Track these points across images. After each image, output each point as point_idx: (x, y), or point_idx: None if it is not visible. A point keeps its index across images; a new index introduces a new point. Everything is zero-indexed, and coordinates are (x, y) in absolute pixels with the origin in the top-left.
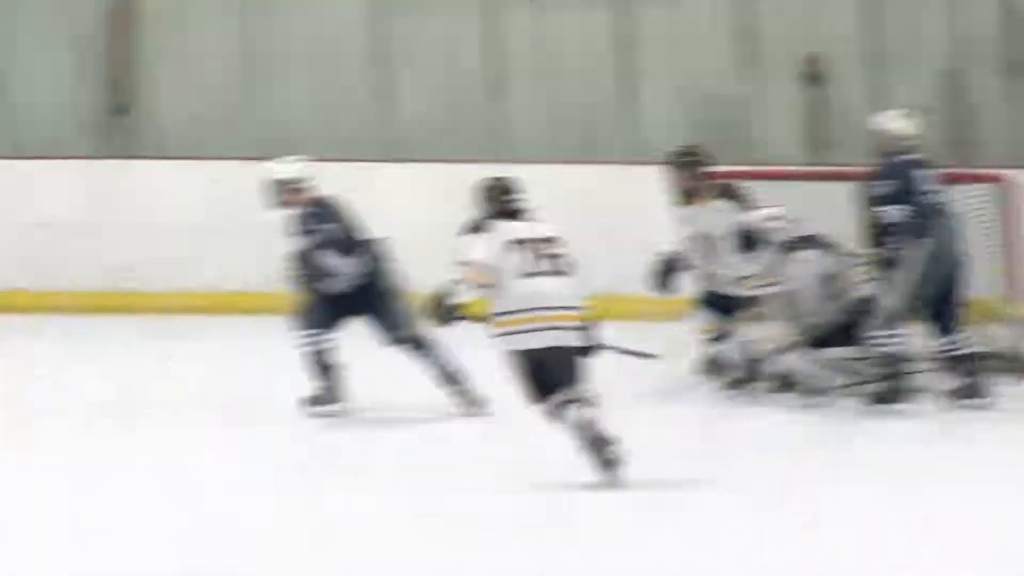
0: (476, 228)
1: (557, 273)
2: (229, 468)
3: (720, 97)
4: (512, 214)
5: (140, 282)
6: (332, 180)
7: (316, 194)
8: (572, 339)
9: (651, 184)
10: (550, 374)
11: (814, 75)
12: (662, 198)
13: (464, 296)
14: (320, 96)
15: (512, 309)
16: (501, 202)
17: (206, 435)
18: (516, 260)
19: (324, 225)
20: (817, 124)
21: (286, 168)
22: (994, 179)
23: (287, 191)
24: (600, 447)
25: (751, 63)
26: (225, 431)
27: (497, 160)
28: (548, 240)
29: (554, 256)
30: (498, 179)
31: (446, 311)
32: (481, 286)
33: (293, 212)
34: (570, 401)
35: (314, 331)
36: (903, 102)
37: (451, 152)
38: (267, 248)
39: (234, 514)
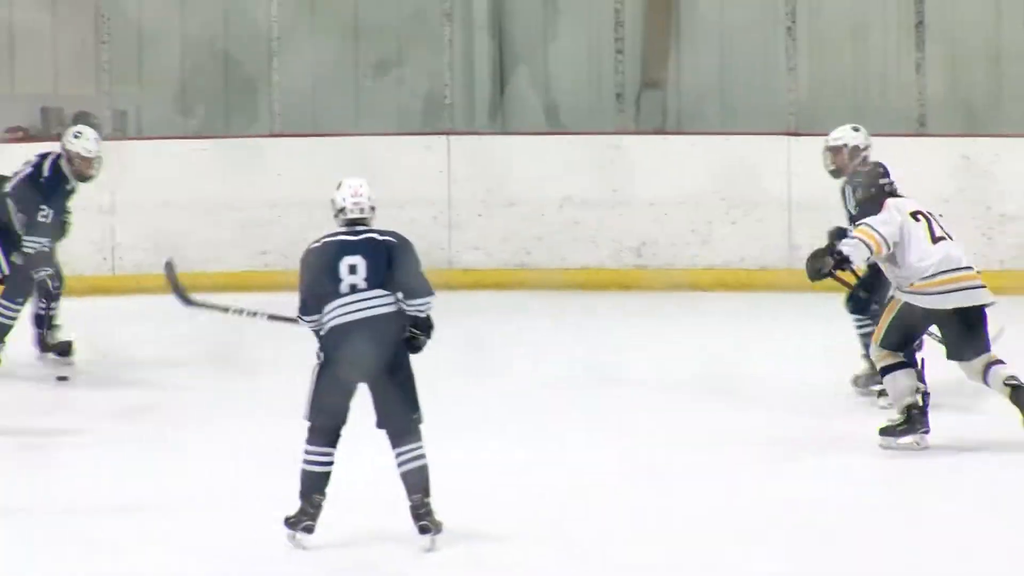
0: (868, 209)
1: (951, 238)
2: (706, 448)
3: None
4: (892, 194)
5: (653, 258)
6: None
7: (863, 165)
8: (981, 297)
9: None
10: (951, 338)
11: None
12: None
13: (855, 257)
14: (855, 69)
15: (931, 273)
16: (881, 185)
17: (687, 415)
18: (922, 229)
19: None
20: None
21: (841, 135)
22: None
23: (838, 158)
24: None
25: None
26: (708, 410)
27: None
28: (932, 213)
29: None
30: (876, 164)
31: (823, 267)
32: (874, 254)
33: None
34: (992, 363)
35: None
36: None
37: None
38: (787, 224)
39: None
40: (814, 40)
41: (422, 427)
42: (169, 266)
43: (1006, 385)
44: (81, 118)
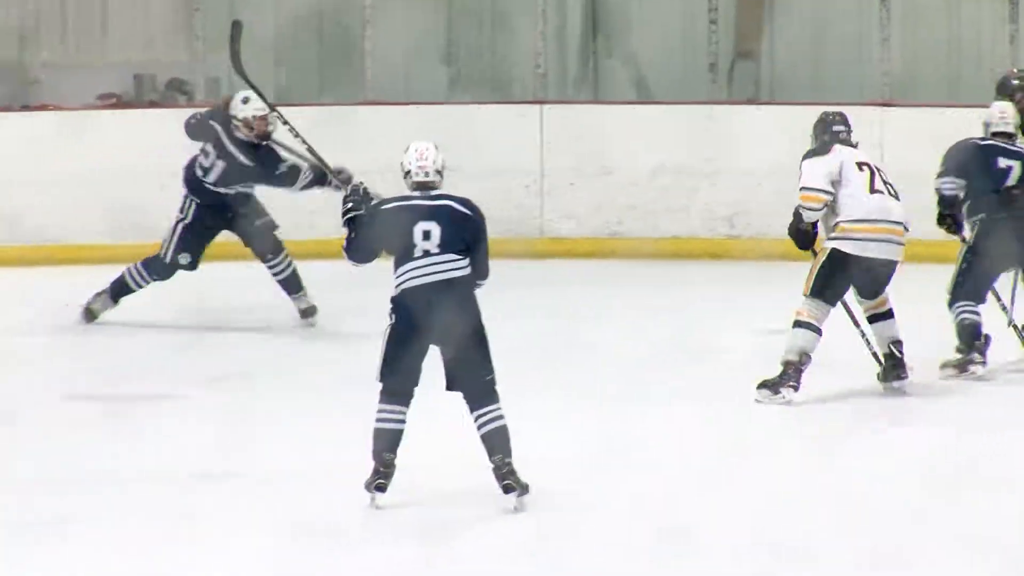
0: (817, 152)
1: (892, 195)
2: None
3: None
4: (845, 143)
5: (745, 228)
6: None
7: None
8: (898, 254)
9: None
10: (861, 284)
11: None
12: None
13: (806, 220)
14: (948, 40)
15: (860, 218)
16: (835, 133)
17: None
18: (862, 178)
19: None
20: None
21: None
22: None
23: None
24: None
25: None
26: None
27: None
28: (880, 168)
29: (887, 181)
30: (833, 113)
31: (803, 237)
32: (819, 208)
33: None
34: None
35: (970, 302)
36: None
37: None
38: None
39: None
40: (908, 11)
41: (498, 389)
42: (236, 25)
43: (890, 346)
44: (174, 84)
